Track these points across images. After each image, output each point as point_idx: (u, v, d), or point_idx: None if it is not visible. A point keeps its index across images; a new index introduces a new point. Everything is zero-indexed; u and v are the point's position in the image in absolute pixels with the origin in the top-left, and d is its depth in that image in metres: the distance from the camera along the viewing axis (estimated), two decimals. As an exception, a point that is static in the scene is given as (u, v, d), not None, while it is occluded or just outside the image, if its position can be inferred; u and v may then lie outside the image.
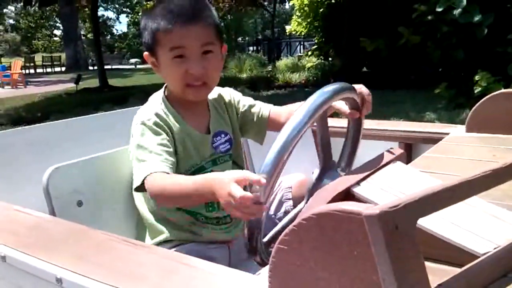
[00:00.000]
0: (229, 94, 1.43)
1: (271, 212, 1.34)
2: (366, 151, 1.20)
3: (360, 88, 1.12)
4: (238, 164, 1.38)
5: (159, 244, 1.26)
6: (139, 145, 1.21)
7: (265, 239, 1.02)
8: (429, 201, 0.60)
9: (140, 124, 1.23)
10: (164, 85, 1.34)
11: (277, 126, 1.31)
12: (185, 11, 1.21)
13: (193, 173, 1.27)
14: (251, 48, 23.22)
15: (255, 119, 1.39)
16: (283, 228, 1.05)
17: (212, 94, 1.37)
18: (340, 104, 1.13)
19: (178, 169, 1.25)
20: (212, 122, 1.33)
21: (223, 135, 1.34)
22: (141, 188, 1.16)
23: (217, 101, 1.38)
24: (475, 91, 5.79)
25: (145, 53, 1.30)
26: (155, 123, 1.23)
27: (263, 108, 1.41)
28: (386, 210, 0.55)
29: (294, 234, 0.68)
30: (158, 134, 1.22)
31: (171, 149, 1.22)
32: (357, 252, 0.62)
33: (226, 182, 0.93)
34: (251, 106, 1.42)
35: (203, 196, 1.06)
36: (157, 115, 1.25)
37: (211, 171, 1.29)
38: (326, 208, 0.63)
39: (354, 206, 0.61)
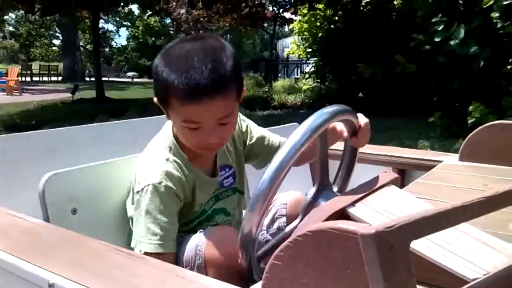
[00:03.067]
0: (239, 123, 1.37)
1: (264, 227, 1.35)
2: (359, 174, 1.21)
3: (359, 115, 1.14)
4: (241, 192, 1.38)
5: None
6: (147, 207, 1.15)
7: (257, 254, 1.02)
8: (423, 224, 0.62)
9: (150, 185, 1.16)
10: (171, 126, 1.27)
11: None
12: (202, 85, 1.07)
13: (196, 217, 1.26)
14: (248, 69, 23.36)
15: (263, 151, 1.37)
16: (276, 244, 1.06)
17: None
18: (340, 127, 1.14)
19: (180, 217, 1.22)
20: (219, 157, 1.31)
21: (227, 169, 1.32)
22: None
23: None
24: (469, 122, 5.85)
25: (155, 99, 1.20)
26: (168, 188, 1.16)
27: (272, 141, 1.39)
28: (381, 230, 0.57)
29: (289, 250, 0.69)
30: (169, 202, 1.17)
31: (176, 217, 1.19)
32: (351, 270, 0.63)
33: None
34: (260, 139, 1.39)
35: None
36: (168, 174, 1.17)
37: (212, 210, 1.29)
38: (322, 226, 0.64)
39: (350, 225, 0.62)
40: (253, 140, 1.39)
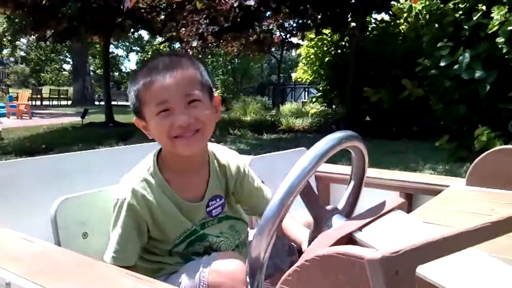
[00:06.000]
0: (236, 163, 1.39)
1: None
2: (367, 199, 1.22)
3: None
4: (237, 218, 1.38)
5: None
6: (114, 221, 1.25)
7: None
8: (429, 249, 0.63)
9: (118, 200, 1.24)
10: (157, 150, 1.32)
11: None
12: (162, 64, 1.20)
13: (185, 237, 1.27)
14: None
15: (258, 203, 1.41)
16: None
17: (216, 156, 1.36)
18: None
19: (166, 236, 1.26)
20: (210, 187, 1.32)
21: (218, 199, 1.33)
22: None
23: (219, 164, 1.36)
24: (476, 146, 5.85)
25: (135, 118, 1.27)
26: (129, 206, 1.22)
27: (266, 194, 1.43)
28: (387, 256, 0.58)
29: (297, 274, 0.70)
30: (128, 218, 1.23)
31: (136, 236, 1.24)
32: (358, 295, 0.64)
33: None
34: (258, 190, 1.42)
35: None
36: (134, 192, 1.23)
37: (202, 234, 1.30)
38: (330, 251, 0.66)
39: (357, 250, 0.64)
40: (250, 186, 1.40)
